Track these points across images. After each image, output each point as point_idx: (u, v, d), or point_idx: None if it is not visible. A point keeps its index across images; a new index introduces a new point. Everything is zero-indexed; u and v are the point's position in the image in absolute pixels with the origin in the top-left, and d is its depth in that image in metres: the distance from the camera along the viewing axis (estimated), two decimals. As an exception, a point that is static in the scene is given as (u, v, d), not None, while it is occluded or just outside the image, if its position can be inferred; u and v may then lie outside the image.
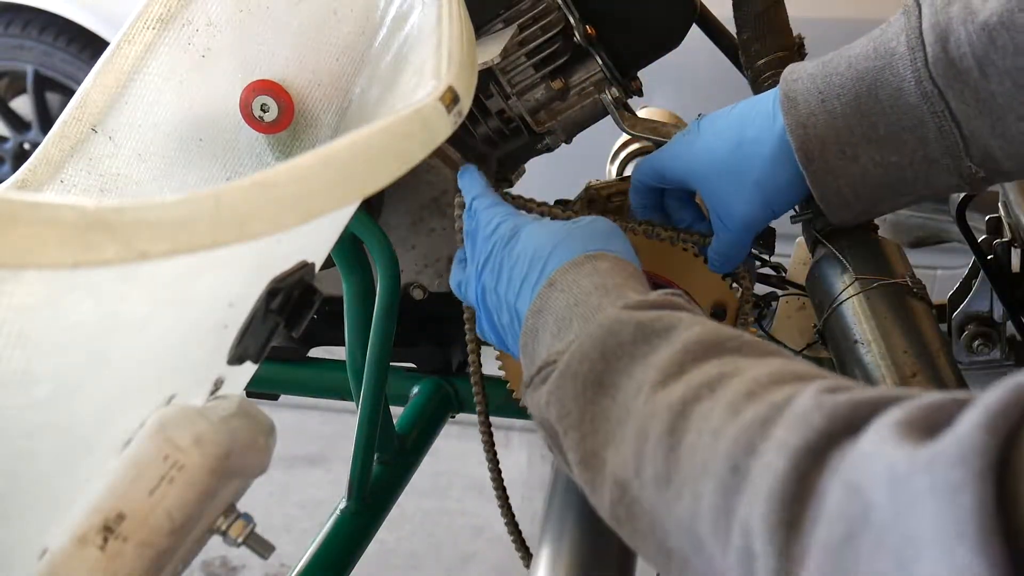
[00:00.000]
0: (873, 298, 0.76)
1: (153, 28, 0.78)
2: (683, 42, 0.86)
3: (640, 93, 0.92)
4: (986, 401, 0.34)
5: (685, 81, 2.02)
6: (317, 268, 0.55)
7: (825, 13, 1.99)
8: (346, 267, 0.82)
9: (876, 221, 0.85)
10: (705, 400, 0.47)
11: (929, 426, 0.36)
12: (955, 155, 0.67)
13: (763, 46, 0.87)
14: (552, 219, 0.78)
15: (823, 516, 0.37)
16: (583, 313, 0.57)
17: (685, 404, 0.47)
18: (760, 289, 0.92)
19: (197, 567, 2.09)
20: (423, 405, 1.04)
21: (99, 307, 0.41)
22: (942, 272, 2.14)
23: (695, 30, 0.89)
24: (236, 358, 0.53)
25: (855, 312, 0.76)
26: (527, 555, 0.90)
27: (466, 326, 0.83)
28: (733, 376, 0.47)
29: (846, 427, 0.39)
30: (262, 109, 0.79)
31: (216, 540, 0.54)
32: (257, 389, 1.08)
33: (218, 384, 0.55)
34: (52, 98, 2.96)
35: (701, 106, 0.82)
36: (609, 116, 0.87)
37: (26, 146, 3.01)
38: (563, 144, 0.91)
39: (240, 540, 0.54)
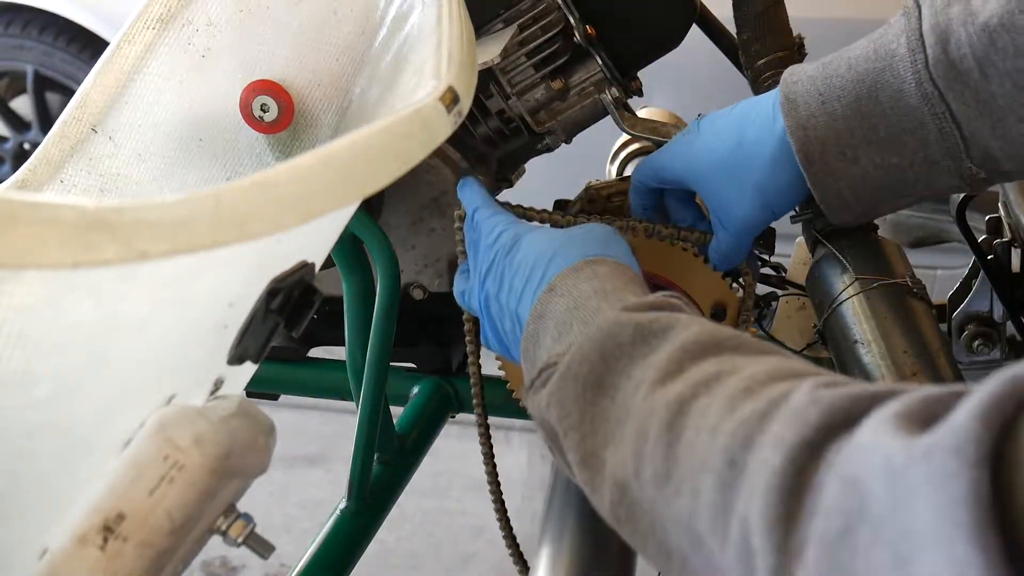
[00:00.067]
0: (873, 298, 0.76)
1: (153, 28, 0.78)
2: (683, 42, 0.86)
3: (640, 93, 0.92)
4: (981, 392, 0.34)
5: (685, 81, 2.02)
6: (317, 268, 0.55)
7: (825, 13, 1.99)
8: (346, 267, 0.82)
9: (876, 221, 0.85)
10: (703, 397, 0.47)
11: (925, 418, 0.36)
12: (956, 156, 0.67)
13: (763, 46, 0.87)
14: (553, 226, 0.79)
15: (820, 509, 0.37)
16: (583, 316, 0.58)
17: (683, 402, 0.48)
18: (760, 289, 0.92)
19: (197, 567, 2.09)
20: (423, 405, 1.04)
21: (99, 307, 0.41)
22: (942, 272, 2.14)
23: (695, 30, 0.89)
24: (236, 358, 0.53)
25: (855, 312, 0.76)
26: (523, 564, 0.90)
27: (467, 337, 0.83)
28: (731, 374, 0.48)
29: (842, 421, 0.40)
30: (262, 109, 0.79)
31: (216, 540, 0.54)
32: (257, 389, 1.08)
33: (218, 384, 0.55)
34: (52, 98, 2.96)
35: (701, 106, 0.82)
36: (609, 116, 0.87)
37: (26, 146, 3.01)
38: (563, 144, 0.91)
39: (240, 540, 0.54)
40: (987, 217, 0.96)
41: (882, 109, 0.68)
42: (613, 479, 0.51)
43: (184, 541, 0.51)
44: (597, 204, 0.89)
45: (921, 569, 0.32)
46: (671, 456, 0.47)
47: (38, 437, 0.47)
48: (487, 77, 0.84)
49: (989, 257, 0.91)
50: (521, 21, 0.83)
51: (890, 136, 0.68)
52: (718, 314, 0.81)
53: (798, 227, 0.87)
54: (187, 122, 0.81)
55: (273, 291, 0.51)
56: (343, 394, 0.96)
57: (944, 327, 0.97)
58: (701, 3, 0.91)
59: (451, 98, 0.49)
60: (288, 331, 0.55)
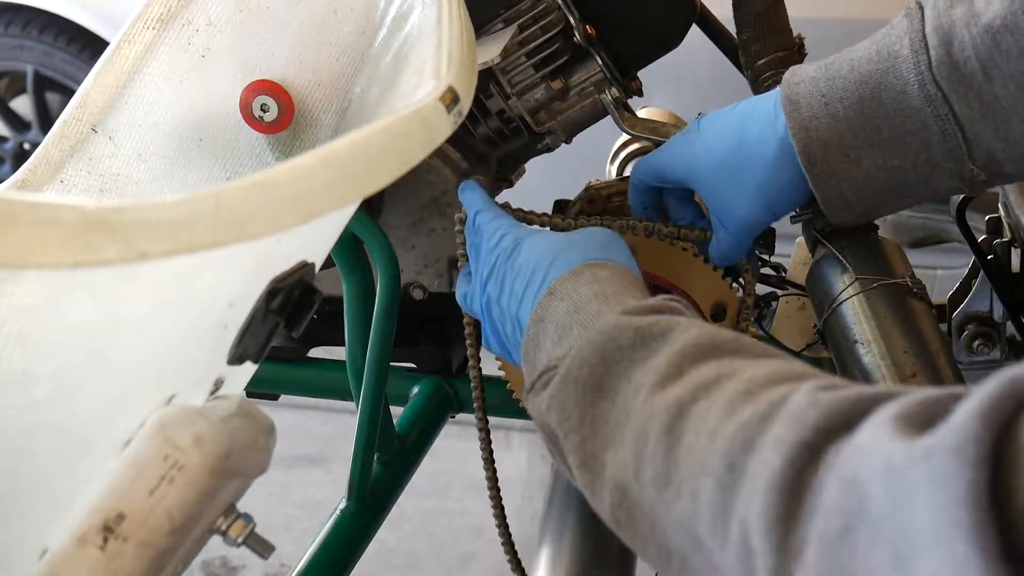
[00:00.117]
0: (873, 298, 0.76)
1: (153, 28, 0.78)
2: (683, 42, 0.86)
3: (640, 93, 0.92)
4: (981, 394, 0.34)
5: (685, 81, 2.01)
6: (317, 268, 0.55)
7: (825, 13, 1.99)
8: (346, 267, 0.82)
9: (876, 221, 0.85)
10: (702, 400, 0.47)
11: (925, 419, 0.36)
12: (957, 158, 0.67)
13: (763, 46, 0.87)
14: (553, 229, 0.79)
15: (820, 510, 0.37)
16: (583, 320, 0.58)
17: (683, 405, 0.48)
18: (760, 289, 0.92)
19: (197, 567, 2.09)
20: (423, 405, 1.04)
21: (99, 307, 0.41)
22: (942, 272, 2.14)
23: (695, 30, 0.89)
24: (236, 358, 0.53)
25: (855, 312, 0.76)
26: (520, 572, 0.90)
27: (468, 341, 0.83)
28: (730, 377, 0.48)
29: (842, 423, 0.40)
30: (262, 109, 0.79)
31: (216, 540, 0.54)
32: (257, 389, 1.08)
33: (218, 384, 0.55)
34: (52, 98, 2.96)
35: (701, 106, 0.82)
36: (609, 116, 0.87)
37: (26, 146, 3.01)
38: (563, 144, 0.91)
39: (240, 540, 0.54)
40: (987, 217, 0.96)
41: (885, 111, 0.68)
42: (613, 482, 0.51)
43: (184, 541, 0.51)
44: (597, 204, 0.89)
45: (921, 569, 0.32)
46: (671, 459, 0.47)
47: (38, 437, 0.47)
48: (487, 77, 0.84)
49: (989, 257, 0.91)
50: (521, 21, 0.83)
51: (893, 137, 0.68)
52: (718, 314, 0.81)
53: (798, 227, 0.87)
54: (187, 122, 0.81)
55: (273, 291, 0.51)
56: (343, 394, 0.96)
57: (944, 327, 0.97)
58: (701, 3, 0.91)
59: (451, 98, 0.49)
60: (288, 331, 0.55)
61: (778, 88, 0.73)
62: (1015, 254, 0.91)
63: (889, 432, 0.36)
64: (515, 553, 0.91)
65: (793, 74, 0.72)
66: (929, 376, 0.71)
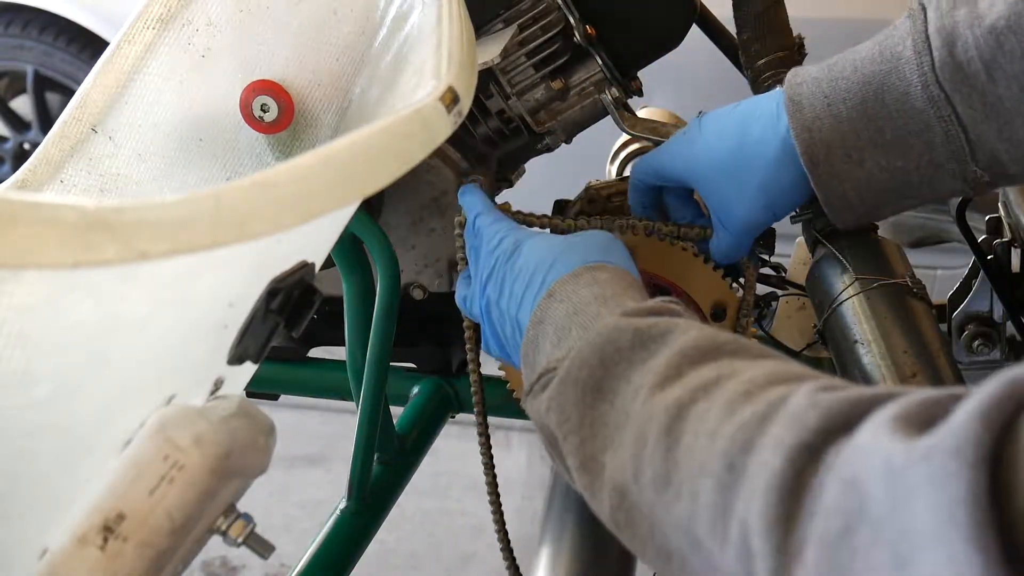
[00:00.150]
0: (873, 298, 0.76)
1: (153, 28, 0.78)
2: (683, 42, 0.86)
3: (640, 93, 0.91)
4: (981, 394, 0.34)
5: (685, 81, 2.01)
6: (317, 268, 0.55)
7: (825, 13, 1.99)
8: (346, 267, 0.82)
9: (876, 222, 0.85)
10: (702, 401, 0.47)
11: (925, 420, 0.36)
12: (960, 160, 0.67)
13: (763, 46, 0.87)
14: (553, 230, 0.79)
15: (820, 510, 0.37)
16: (582, 322, 0.58)
17: (682, 406, 0.48)
18: (760, 289, 0.92)
19: (197, 567, 2.09)
20: (423, 405, 1.04)
21: (99, 307, 0.41)
22: (942, 272, 2.14)
23: (695, 30, 0.89)
24: (236, 358, 0.53)
25: (855, 312, 0.76)
26: (516, 573, 0.90)
27: (468, 345, 0.83)
28: (729, 378, 0.48)
29: (842, 424, 0.40)
30: (262, 109, 0.79)
31: (216, 540, 0.54)
32: (257, 389, 1.08)
33: (218, 384, 0.55)
34: (52, 98, 2.96)
35: (701, 106, 0.82)
36: (609, 116, 0.87)
37: (26, 146, 3.01)
38: (563, 144, 0.91)
39: (240, 540, 0.54)
40: (987, 217, 0.96)
41: (888, 112, 0.68)
42: (612, 483, 0.51)
43: (184, 541, 0.51)
44: (597, 204, 0.89)
45: (920, 569, 0.32)
46: (670, 460, 0.47)
47: (38, 437, 0.47)
48: (487, 77, 0.84)
49: (989, 257, 0.91)
50: (521, 21, 0.83)
51: (896, 139, 0.68)
52: (718, 314, 0.81)
53: (798, 227, 0.87)
54: (187, 122, 0.81)
55: (273, 291, 0.51)
56: (343, 394, 0.96)
57: (944, 327, 0.97)
58: (701, 3, 0.91)
59: (451, 98, 0.49)
60: (288, 331, 0.55)
61: (779, 88, 0.73)
62: (1015, 254, 0.91)
63: (889, 432, 0.36)
64: (514, 560, 0.91)
65: (795, 75, 0.72)
66: (929, 376, 0.70)
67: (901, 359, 0.72)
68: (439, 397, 1.05)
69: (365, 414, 0.87)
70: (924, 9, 0.67)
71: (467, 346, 0.83)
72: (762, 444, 0.42)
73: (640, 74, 0.91)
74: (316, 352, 1.07)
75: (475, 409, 0.86)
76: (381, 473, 0.96)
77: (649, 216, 0.82)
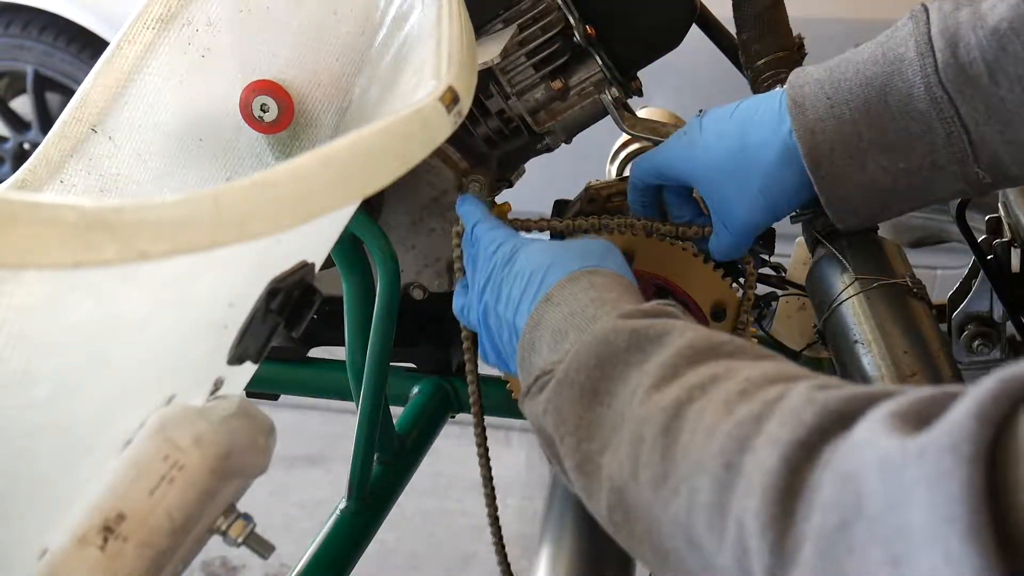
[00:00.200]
0: (873, 298, 0.76)
1: (153, 28, 0.78)
2: (683, 42, 0.86)
3: (640, 93, 0.91)
4: (977, 392, 0.34)
5: (685, 81, 2.01)
6: (317, 268, 0.55)
7: (825, 13, 1.99)
8: (346, 267, 0.82)
9: (876, 222, 0.85)
10: (699, 401, 0.47)
11: (921, 417, 0.36)
12: (963, 161, 0.67)
13: (763, 46, 0.87)
14: (552, 232, 0.79)
15: (816, 507, 0.37)
16: (579, 324, 0.58)
17: (679, 405, 0.48)
18: (760, 289, 0.92)
19: (197, 567, 2.09)
20: (423, 405, 1.04)
21: (99, 307, 0.41)
22: (942, 272, 2.14)
23: (695, 30, 0.89)
24: (236, 358, 0.53)
25: (855, 312, 0.76)
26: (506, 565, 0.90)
27: (465, 356, 0.83)
28: (727, 378, 0.48)
29: (838, 421, 0.40)
30: (262, 109, 0.79)
31: (216, 540, 0.54)
32: (257, 389, 1.08)
33: (218, 384, 0.55)
34: (52, 98, 2.96)
35: (701, 106, 0.82)
36: (609, 116, 0.87)
37: (26, 146, 3.01)
38: (563, 144, 0.91)
39: (240, 540, 0.54)
40: (987, 217, 0.96)
41: (891, 113, 0.68)
42: (610, 483, 0.51)
43: (184, 541, 0.51)
44: (597, 204, 0.89)
45: (917, 566, 0.33)
46: (668, 458, 0.47)
47: (38, 437, 0.47)
48: (487, 77, 0.84)
49: (989, 257, 0.91)
50: (521, 21, 0.83)
51: (898, 140, 0.68)
52: (718, 314, 0.81)
53: (798, 227, 0.87)
54: (187, 122, 0.81)
55: (273, 291, 0.51)
56: (343, 394, 0.96)
57: (944, 327, 0.97)
58: (701, 3, 0.91)
59: (451, 98, 0.49)
60: (288, 331, 0.55)
61: (780, 89, 0.73)
62: (1015, 254, 0.91)
63: (886, 429, 0.36)
64: (507, 564, 0.91)
65: (797, 76, 0.72)
66: (929, 376, 0.70)
67: (901, 359, 0.72)
68: (439, 397, 1.05)
69: (365, 414, 0.87)
70: (927, 10, 0.67)
71: (465, 357, 0.83)
72: (758, 442, 0.42)
73: (640, 74, 0.90)
74: (316, 352, 1.07)
75: (474, 422, 0.87)
76: (381, 473, 0.96)
77: (649, 216, 0.82)
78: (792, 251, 1.04)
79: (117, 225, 0.34)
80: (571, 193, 0.92)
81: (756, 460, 0.41)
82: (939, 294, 0.97)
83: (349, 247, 0.81)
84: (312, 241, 0.54)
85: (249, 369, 0.56)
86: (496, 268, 0.69)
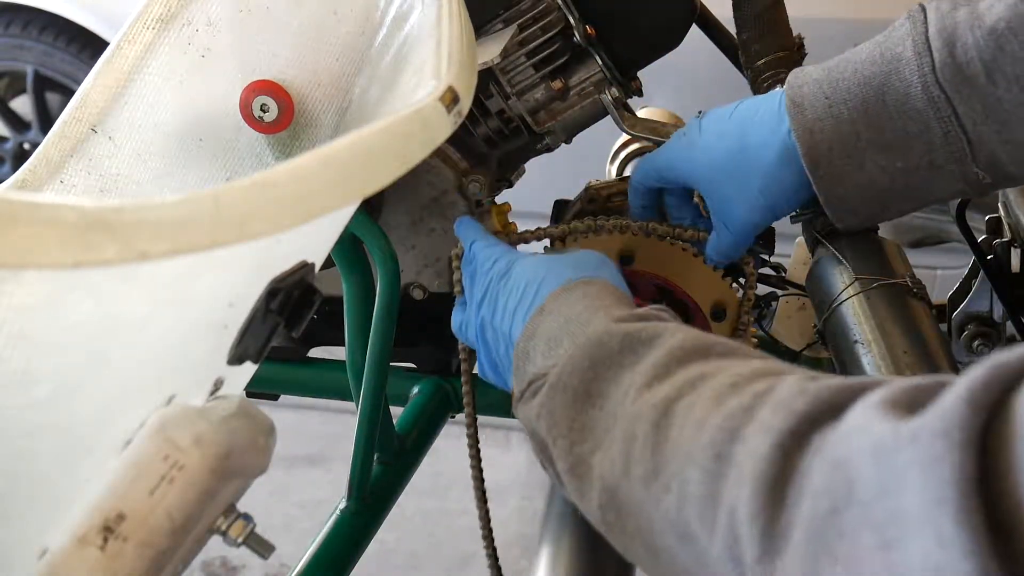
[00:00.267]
0: (873, 298, 0.76)
1: (153, 28, 0.78)
2: (683, 42, 0.86)
3: (640, 93, 0.92)
4: (968, 377, 0.35)
5: (685, 81, 2.01)
6: (317, 268, 0.55)
7: (825, 13, 1.99)
8: (346, 267, 0.82)
9: (876, 222, 0.85)
10: (688, 396, 0.48)
11: (913, 403, 0.36)
12: (961, 160, 0.68)
13: (763, 46, 0.87)
14: (550, 238, 0.80)
15: (807, 493, 0.38)
16: (572, 331, 0.59)
17: (670, 401, 0.48)
18: (760, 289, 0.92)
19: (197, 567, 2.09)
20: (423, 405, 1.04)
21: (99, 307, 0.41)
22: (942, 272, 2.14)
23: (695, 30, 0.89)
24: (236, 358, 0.53)
25: (855, 312, 0.76)
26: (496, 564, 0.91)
27: (463, 366, 0.84)
28: (717, 374, 0.48)
29: (828, 411, 0.40)
30: (262, 109, 0.79)
31: (216, 540, 0.54)
32: (257, 389, 1.07)
33: (218, 384, 0.55)
34: (52, 98, 2.96)
35: (701, 106, 0.82)
36: (609, 116, 0.87)
37: (26, 146, 3.01)
38: (563, 144, 0.91)
39: (240, 540, 0.54)
40: (987, 217, 0.96)
41: (888, 112, 0.68)
42: (602, 483, 0.51)
43: (184, 541, 0.51)
44: (597, 204, 0.89)
45: (909, 550, 0.33)
46: (658, 453, 0.47)
47: (38, 437, 0.47)
48: (487, 77, 0.84)
49: (989, 257, 0.91)
50: (521, 21, 0.83)
51: (896, 139, 0.68)
52: (718, 314, 0.81)
53: (798, 227, 0.87)
54: (187, 122, 0.81)
55: (273, 291, 0.51)
56: (343, 394, 0.96)
57: (944, 327, 0.97)
58: (701, 3, 0.91)
59: (451, 98, 0.49)
60: (288, 331, 0.55)
61: (780, 90, 0.73)
62: (1015, 254, 0.91)
63: (878, 415, 0.36)
64: (499, 569, 0.91)
65: (796, 76, 0.72)
66: (929, 376, 0.70)
67: (901, 359, 0.72)
68: (439, 397, 1.05)
69: (365, 414, 0.87)
70: (924, 10, 0.67)
71: (461, 356, 0.84)
72: (749, 432, 0.42)
73: (640, 74, 0.91)
74: (316, 352, 1.07)
75: (466, 422, 0.87)
76: (381, 473, 0.96)
77: (649, 218, 0.82)
78: (792, 251, 1.04)
79: (117, 225, 0.34)
80: (571, 193, 0.92)
81: (746, 449, 0.41)
82: (939, 294, 0.97)
83: (349, 247, 0.81)
84: (312, 241, 0.54)
85: (249, 369, 0.56)
86: (492, 282, 0.70)
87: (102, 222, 0.34)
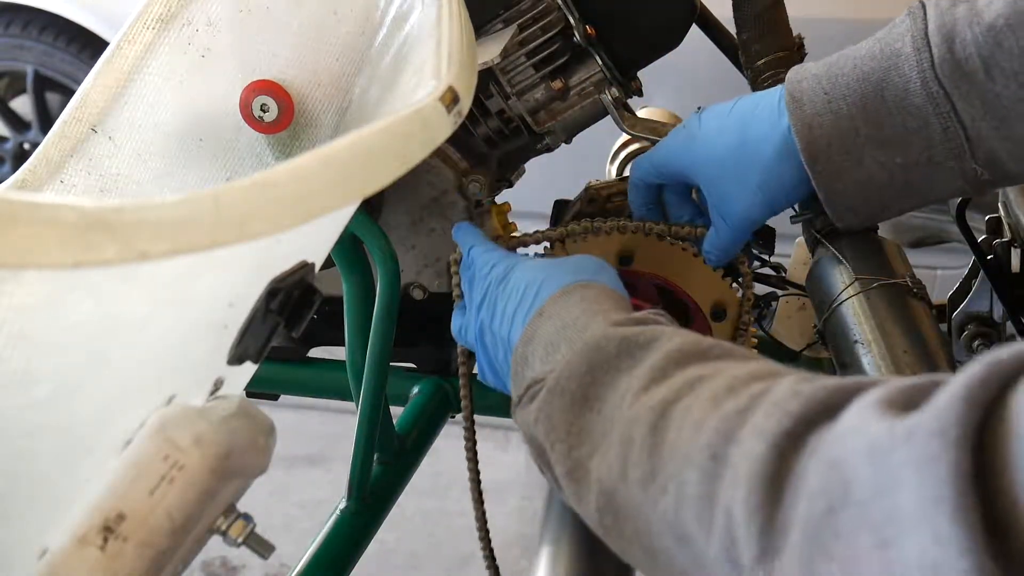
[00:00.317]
0: (873, 298, 0.76)
1: (153, 28, 0.78)
2: (683, 42, 0.86)
3: (640, 93, 0.92)
4: (964, 375, 0.35)
5: (685, 81, 2.01)
6: (317, 268, 0.55)
7: (825, 13, 1.99)
8: (346, 267, 0.82)
9: (876, 221, 0.85)
10: (685, 398, 0.48)
11: (909, 402, 0.36)
12: (959, 157, 0.68)
13: (763, 46, 0.87)
14: (547, 240, 0.80)
15: (803, 493, 0.38)
16: (570, 336, 0.59)
17: (667, 404, 0.48)
18: (760, 289, 0.92)
19: (197, 567, 2.09)
20: (423, 405, 1.04)
21: (99, 307, 0.41)
22: (942, 272, 2.14)
23: (695, 30, 0.89)
24: (236, 358, 0.53)
25: (855, 312, 0.76)
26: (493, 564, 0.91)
27: (461, 368, 0.84)
28: (713, 376, 0.48)
29: (824, 412, 0.40)
30: (262, 109, 0.79)
31: (216, 540, 0.54)
32: (257, 389, 1.07)
33: (218, 384, 0.55)
34: (52, 98, 2.96)
35: (701, 106, 0.82)
36: (609, 116, 0.87)
37: (26, 146, 3.01)
38: (563, 144, 0.91)
39: (240, 540, 0.54)
40: (987, 217, 0.96)
41: (887, 108, 0.68)
42: (599, 486, 0.51)
43: (184, 541, 0.51)
44: (597, 204, 0.89)
45: (906, 548, 0.33)
46: (655, 455, 0.47)
47: (38, 437, 0.47)
48: (487, 77, 0.84)
49: (989, 257, 0.91)
50: (521, 21, 0.83)
51: (895, 135, 0.68)
52: (718, 314, 0.81)
53: (798, 227, 0.87)
54: (187, 122, 0.81)
55: (273, 291, 0.51)
56: (343, 394, 0.96)
57: (944, 327, 0.97)
58: (701, 3, 0.91)
59: (451, 98, 0.49)
60: (288, 331, 0.55)
61: (780, 86, 0.73)
62: (1015, 254, 0.91)
63: (874, 415, 0.37)
64: (495, 567, 0.91)
65: (796, 72, 0.72)
66: (929, 376, 0.70)
67: (901, 359, 0.72)
68: (439, 397, 1.04)
69: (365, 414, 0.87)
70: (924, 7, 0.68)
71: (459, 360, 0.84)
72: (744, 433, 0.42)
73: (640, 74, 0.91)
74: (316, 352, 1.07)
75: (464, 425, 0.87)
76: (381, 473, 0.96)
77: (649, 216, 0.82)
78: (792, 251, 1.04)
79: (117, 225, 0.34)
80: (571, 193, 0.92)
81: (742, 450, 0.41)
82: (939, 294, 0.97)
83: (349, 247, 0.81)
84: (312, 241, 0.54)
85: (249, 369, 0.56)
86: (491, 286, 0.70)
87: (102, 222, 0.34)
